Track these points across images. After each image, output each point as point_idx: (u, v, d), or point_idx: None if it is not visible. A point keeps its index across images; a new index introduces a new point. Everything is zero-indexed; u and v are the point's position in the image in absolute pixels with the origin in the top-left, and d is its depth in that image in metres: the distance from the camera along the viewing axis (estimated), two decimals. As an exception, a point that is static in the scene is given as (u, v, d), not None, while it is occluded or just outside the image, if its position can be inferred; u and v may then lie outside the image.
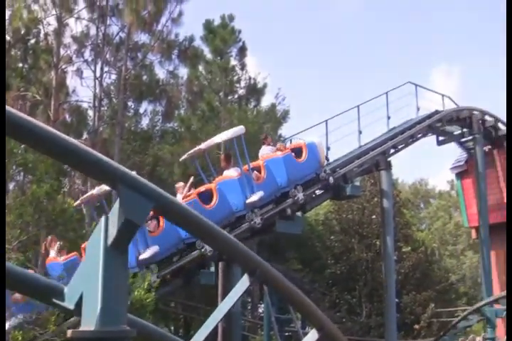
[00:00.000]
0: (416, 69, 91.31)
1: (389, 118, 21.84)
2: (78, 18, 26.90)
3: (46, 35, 26.22)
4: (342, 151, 20.38)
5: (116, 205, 2.44)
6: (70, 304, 2.71)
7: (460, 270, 46.83)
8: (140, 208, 2.45)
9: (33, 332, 10.51)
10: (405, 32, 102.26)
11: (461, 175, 26.60)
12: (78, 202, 14.96)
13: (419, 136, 22.28)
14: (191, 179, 15.62)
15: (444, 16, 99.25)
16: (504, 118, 25.40)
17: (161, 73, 29.34)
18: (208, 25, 31.90)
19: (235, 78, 32.37)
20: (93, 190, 14.80)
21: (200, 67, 31.70)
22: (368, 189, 33.64)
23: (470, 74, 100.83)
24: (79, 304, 2.58)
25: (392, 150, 20.84)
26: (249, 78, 32.86)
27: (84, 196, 15.11)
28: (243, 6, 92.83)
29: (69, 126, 27.38)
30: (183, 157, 16.33)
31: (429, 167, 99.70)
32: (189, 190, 15.05)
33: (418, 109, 23.19)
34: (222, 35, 31.27)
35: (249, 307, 32.40)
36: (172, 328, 32.99)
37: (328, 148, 19.01)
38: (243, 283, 3.35)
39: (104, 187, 13.61)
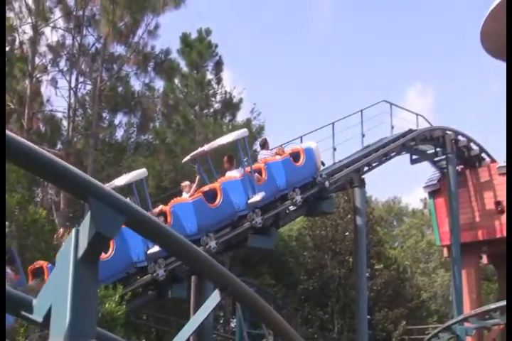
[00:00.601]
0: (391, 89, 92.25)
1: (363, 135, 22.03)
2: (54, 27, 26.73)
3: (21, 43, 26.02)
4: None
5: (87, 218, 2.41)
6: (38, 317, 2.67)
7: (431, 288, 47.02)
8: (112, 222, 2.42)
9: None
10: (380, 51, 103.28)
11: (433, 194, 26.79)
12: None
13: (393, 154, 22.46)
14: (198, 177, 16.23)
15: (419, 36, 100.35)
16: (477, 138, 25.81)
17: (136, 85, 29.25)
18: (184, 39, 31.89)
19: (211, 92, 32.36)
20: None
21: (176, 80, 31.67)
22: (341, 206, 33.78)
23: (444, 93, 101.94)
24: (48, 317, 2.54)
25: (366, 168, 20.99)
26: (225, 92, 32.90)
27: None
28: (220, 20, 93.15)
29: (43, 135, 27.13)
30: (186, 158, 16.88)
31: (403, 185, 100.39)
32: (196, 189, 15.67)
33: (392, 127, 23.42)
34: (198, 48, 31.28)
35: (221, 322, 32.23)
36: (143, 341, 32.69)
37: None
38: (214, 298, 3.33)
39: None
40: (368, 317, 22.87)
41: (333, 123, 21.11)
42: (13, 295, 2.84)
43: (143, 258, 14.02)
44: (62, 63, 27.42)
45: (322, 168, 18.65)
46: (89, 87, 28.32)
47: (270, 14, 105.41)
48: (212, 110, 32.82)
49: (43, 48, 26.79)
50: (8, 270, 12.04)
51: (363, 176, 20.67)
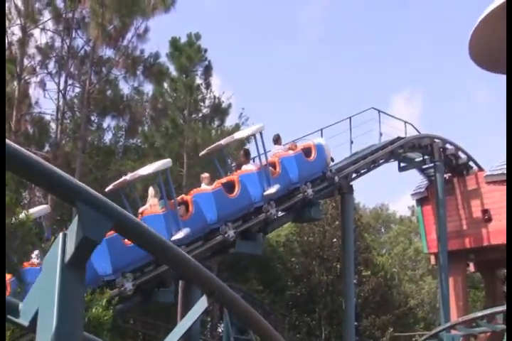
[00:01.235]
0: (379, 96, 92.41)
1: (352, 142, 22.03)
2: (43, 29, 26.67)
3: (10, 44, 25.92)
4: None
5: (74, 222, 2.39)
6: (24, 321, 2.65)
7: (419, 295, 47.06)
8: (99, 226, 2.41)
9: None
10: (369, 58, 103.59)
11: (421, 202, 26.81)
12: (111, 187, 15.52)
13: (381, 161, 22.50)
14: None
15: (408, 43, 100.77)
16: (465, 147, 25.88)
17: (125, 89, 29.19)
18: (174, 43, 31.88)
19: (200, 97, 32.35)
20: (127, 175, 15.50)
21: (165, 85, 31.63)
22: (329, 212, 33.82)
23: (432, 101, 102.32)
24: (34, 321, 2.52)
25: (354, 175, 21.00)
26: (214, 97, 32.90)
27: (117, 181, 15.69)
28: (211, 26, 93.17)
29: (30, 137, 27.01)
30: (203, 152, 17.35)
31: (391, 192, 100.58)
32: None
33: (381, 134, 23.41)
34: (188, 53, 31.26)
35: (208, 327, 32.15)
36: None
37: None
38: (201, 303, 3.31)
39: (141, 172, 14.91)
40: (355, 323, 22.87)
41: (321, 130, 21.15)
42: (-2, 299, 2.82)
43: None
44: (51, 65, 27.35)
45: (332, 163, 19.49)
46: (77, 90, 28.30)
47: (259, 19, 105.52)
48: (200, 115, 32.83)
49: (31, 50, 26.72)
50: None
51: (351, 183, 20.70)
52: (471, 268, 26.97)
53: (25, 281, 11.39)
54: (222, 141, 16.99)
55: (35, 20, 25.58)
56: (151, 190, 15.87)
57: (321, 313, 32.87)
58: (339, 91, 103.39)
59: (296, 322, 33.24)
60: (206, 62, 32.38)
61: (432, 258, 26.94)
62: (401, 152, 23.30)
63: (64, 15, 26.41)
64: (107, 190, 15.43)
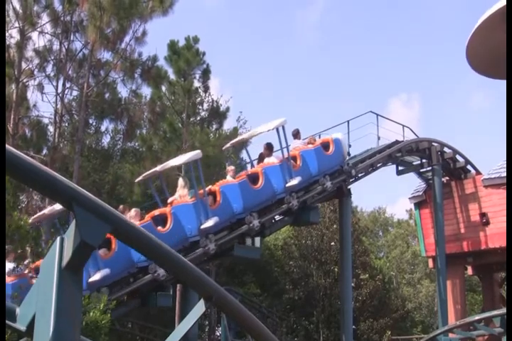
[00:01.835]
0: (377, 99, 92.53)
1: (350, 146, 22.04)
2: (41, 32, 26.62)
3: (8, 47, 25.90)
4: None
5: (72, 226, 2.38)
6: (21, 325, 2.64)
7: (416, 298, 47.06)
8: (96, 230, 2.40)
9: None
10: (367, 62, 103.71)
11: (419, 205, 26.83)
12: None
13: (379, 165, 22.52)
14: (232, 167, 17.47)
15: (405, 47, 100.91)
16: (463, 151, 25.90)
17: (123, 92, 29.15)
18: (172, 46, 31.82)
19: (198, 100, 32.33)
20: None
21: (163, 88, 31.60)
22: (327, 216, 33.81)
23: (430, 104, 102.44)
24: (31, 325, 2.51)
25: (352, 178, 20.99)
26: (212, 101, 32.87)
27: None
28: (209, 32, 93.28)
29: (28, 140, 26.96)
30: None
31: (389, 195, 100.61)
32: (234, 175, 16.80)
33: (379, 138, 23.44)
34: (186, 56, 31.22)
35: (206, 330, 32.08)
36: (127, 350, 32.47)
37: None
38: (199, 307, 3.30)
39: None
40: (353, 327, 22.84)
41: (319, 134, 21.21)
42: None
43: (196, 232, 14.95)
44: (49, 68, 27.26)
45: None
46: (75, 93, 28.24)
47: (257, 22, 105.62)
48: (199, 118, 32.78)
49: (29, 53, 26.63)
50: None
51: (349, 186, 20.71)
52: (469, 271, 26.99)
53: None
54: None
55: (33, 23, 25.54)
56: (180, 181, 16.12)
57: (318, 317, 32.83)
58: (338, 94, 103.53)
59: (294, 326, 33.21)
60: (204, 66, 32.34)
61: (430, 262, 26.95)
62: (399, 155, 23.32)
63: (62, 18, 26.37)
64: (136, 180, 17.03)
